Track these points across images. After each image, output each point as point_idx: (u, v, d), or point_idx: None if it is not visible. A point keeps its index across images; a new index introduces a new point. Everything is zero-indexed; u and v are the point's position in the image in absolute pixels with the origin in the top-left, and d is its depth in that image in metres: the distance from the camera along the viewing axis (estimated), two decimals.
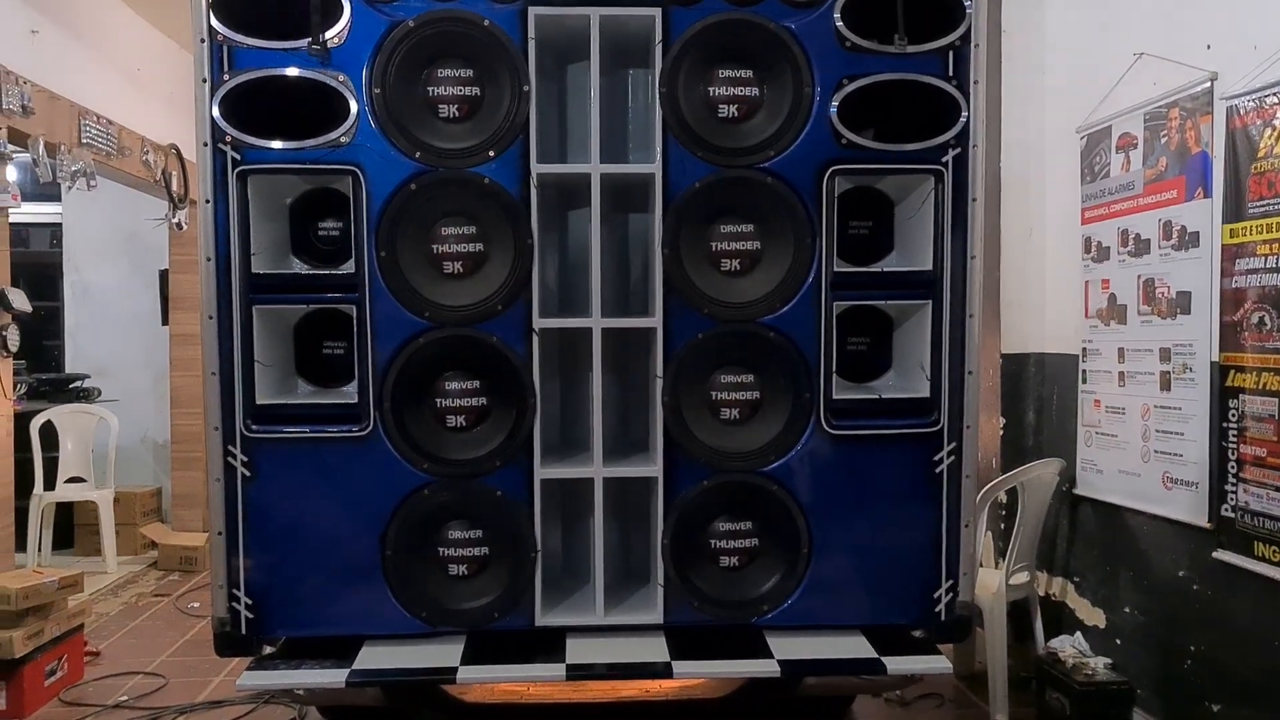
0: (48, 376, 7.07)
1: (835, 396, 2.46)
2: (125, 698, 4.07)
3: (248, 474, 2.36)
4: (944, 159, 2.42)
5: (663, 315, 2.41)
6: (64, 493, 6.24)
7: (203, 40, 2.29)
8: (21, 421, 6.38)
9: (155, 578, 6.13)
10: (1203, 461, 3.30)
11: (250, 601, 2.37)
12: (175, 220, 6.07)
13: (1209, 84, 3.26)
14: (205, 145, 2.31)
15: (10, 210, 4.58)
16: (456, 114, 2.38)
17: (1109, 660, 3.83)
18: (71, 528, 6.65)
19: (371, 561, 2.39)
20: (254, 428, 2.36)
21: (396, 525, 2.39)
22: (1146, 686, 3.62)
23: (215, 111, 2.30)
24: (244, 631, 2.37)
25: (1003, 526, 4.43)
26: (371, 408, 2.37)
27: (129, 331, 7.37)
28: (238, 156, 2.32)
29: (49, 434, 6.33)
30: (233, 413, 2.35)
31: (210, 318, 2.33)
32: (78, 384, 6.99)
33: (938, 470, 2.46)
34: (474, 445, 2.42)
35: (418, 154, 2.34)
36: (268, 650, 2.38)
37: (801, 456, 2.44)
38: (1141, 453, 3.65)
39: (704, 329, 2.42)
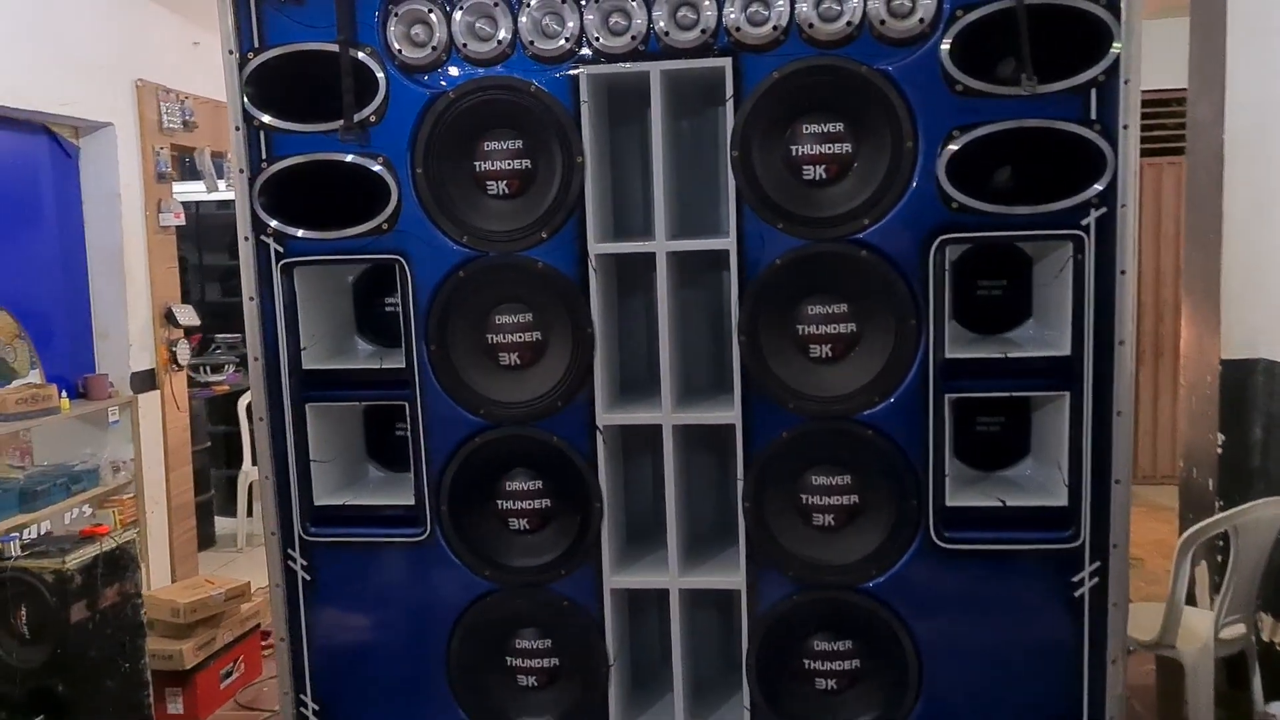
0: None
1: (949, 504, 2.09)
2: None
3: (308, 578, 2.27)
4: (1084, 221, 1.96)
5: (741, 410, 2.10)
6: None
7: (238, 128, 2.14)
8: (231, 399, 6.78)
9: None
10: None
11: (317, 707, 2.30)
12: None
13: None
14: (246, 239, 2.18)
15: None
16: (506, 190, 2.14)
17: None
18: None
19: (437, 670, 2.26)
20: (312, 530, 2.26)
21: (461, 634, 2.24)
22: None
23: (256, 203, 2.16)
24: None
25: (1219, 559, 3.84)
26: (429, 511, 2.21)
27: None
28: (280, 249, 2.18)
29: None
30: (290, 515, 2.25)
31: (260, 419, 2.23)
32: None
33: (1077, 594, 2.05)
34: (538, 550, 2.22)
35: (465, 238, 2.12)
36: None
37: (907, 572, 2.10)
38: None
39: (790, 425, 2.10)
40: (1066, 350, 2.01)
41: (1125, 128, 1.92)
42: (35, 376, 4.20)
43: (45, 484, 3.97)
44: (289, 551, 2.27)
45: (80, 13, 4.25)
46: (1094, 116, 1.93)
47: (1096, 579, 2.04)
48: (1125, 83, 1.90)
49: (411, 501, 2.23)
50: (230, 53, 2.13)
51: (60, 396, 4.11)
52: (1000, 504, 2.10)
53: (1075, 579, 2.05)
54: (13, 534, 3.58)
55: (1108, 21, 1.89)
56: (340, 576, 2.27)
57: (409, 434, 2.21)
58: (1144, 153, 6.84)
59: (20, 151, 4.25)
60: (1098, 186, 1.94)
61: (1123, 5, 1.88)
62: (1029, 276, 2.20)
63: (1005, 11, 1.90)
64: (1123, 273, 1.95)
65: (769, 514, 2.14)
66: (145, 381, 4.64)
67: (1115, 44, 1.89)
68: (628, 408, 2.21)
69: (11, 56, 3.94)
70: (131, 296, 4.54)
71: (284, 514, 2.26)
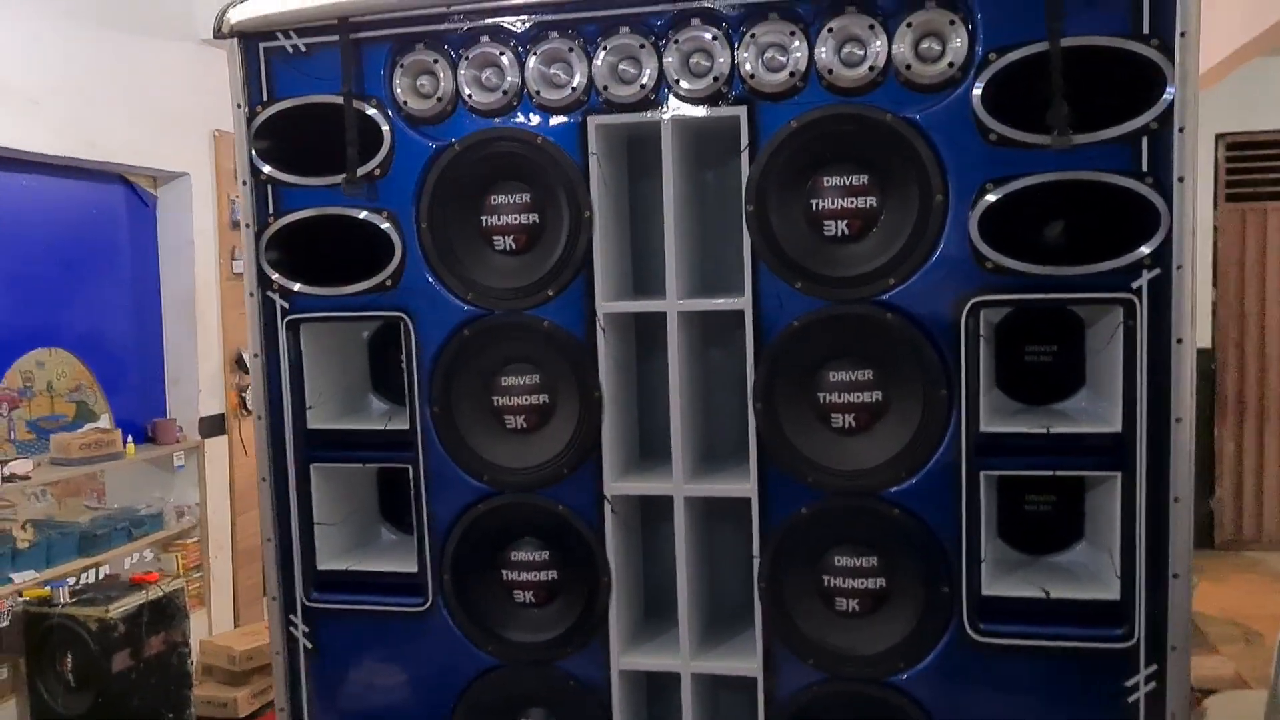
0: None
1: (986, 592, 1.89)
2: None
3: (309, 645, 2.18)
4: (1135, 284, 1.76)
5: (758, 482, 1.95)
6: None
7: (244, 183, 2.10)
8: None
9: None
10: None
11: None
12: None
13: None
14: (251, 295, 2.13)
15: None
16: (513, 246, 2.04)
17: None
18: None
19: None
20: (315, 596, 2.17)
21: (463, 712, 2.12)
22: None
23: (262, 258, 2.11)
24: None
25: None
26: (430, 580, 2.10)
27: None
28: (286, 305, 2.12)
29: None
30: (292, 580, 2.17)
31: (264, 480, 2.16)
32: None
33: (1131, 699, 1.83)
34: (544, 626, 2.09)
35: (470, 295, 2.03)
36: None
37: (938, 667, 1.91)
38: None
39: (810, 500, 1.94)
40: (1117, 426, 1.81)
41: (1181, 180, 1.72)
42: (105, 421, 4.27)
43: (106, 528, 4.02)
44: (290, 617, 2.19)
45: (159, 66, 4.37)
46: (1145, 168, 1.74)
47: (1153, 684, 1.81)
48: (1180, 131, 1.71)
49: (414, 569, 2.13)
50: (239, 106, 2.09)
51: (126, 441, 4.17)
52: (1044, 594, 1.89)
53: (1129, 683, 1.83)
54: (66, 579, 3.62)
55: (1160, 64, 1.71)
56: (342, 645, 2.18)
57: (412, 498, 2.12)
58: (1274, 196, 6.45)
59: (99, 202, 4.38)
60: (1144, 250, 1.74)
61: (1177, 46, 1.70)
62: (1083, 342, 2.01)
63: (1044, 54, 1.73)
64: (1179, 341, 1.74)
65: (788, 596, 1.97)
66: (214, 426, 4.70)
67: (1168, 88, 1.70)
68: (641, 476, 2.08)
69: (92, 111, 4.06)
70: (203, 342, 4.62)
71: (286, 578, 2.18)
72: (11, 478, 3.65)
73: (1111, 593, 1.85)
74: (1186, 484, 1.77)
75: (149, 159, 4.34)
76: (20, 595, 3.46)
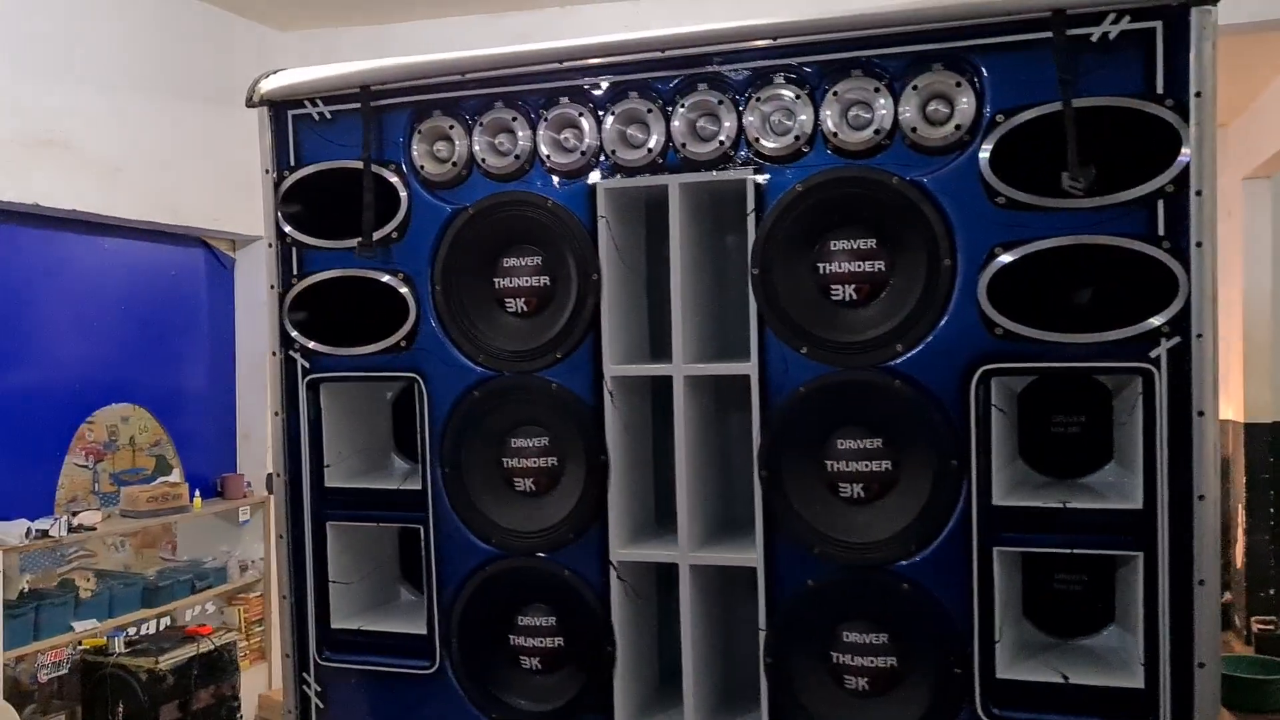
0: None
1: (1001, 675, 1.79)
2: None
3: (321, 705, 2.18)
4: (1154, 353, 1.67)
5: (764, 552, 1.90)
6: None
7: (271, 245, 2.16)
8: None
9: None
10: None
11: None
12: None
13: None
14: (274, 355, 2.18)
15: None
16: (524, 308, 2.05)
17: None
18: None
19: None
20: (327, 655, 2.18)
21: None
22: None
23: (286, 318, 2.16)
24: None
25: None
26: (438, 643, 2.09)
27: None
28: (307, 365, 2.16)
29: None
30: (306, 638, 2.18)
31: (280, 537, 2.19)
32: None
33: None
34: (549, 694, 2.06)
35: (481, 357, 2.04)
36: None
37: None
38: None
39: (816, 573, 1.87)
40: (1138, 503, 1.71)
41: (1199, 245, 1.64)
42: (175, 475, 4.40)
43: (170, 580, 4.11)
44: (304, 675, 2.20)
45: (237, 134, 4.53)
46: (1162, 233, 1.66)
47: None
48: (1197, 194, 1.63)
49: (424, 631, 2.12)
50: (266, 171, 2.16)
51: (194, 496, 4.28)
52: (1062, 679, 1.78)
53: None
54: (126, 629, 3.70)
55: (1175, 125, 1.64)
56: (351, 705, 2.17)
57: (423, 559, 2.12)
58: None
59: (179, 264, 4.56)
60: (1154, 321, 1.66)
61: (1192, 107, 1.63)
62: (1110, 412, 1.91)
63: (1052, 115, 1.68)
64: (1200, 414, 1.65)
65: (795, 673, 1.91)
66: None
67: (1184, 150, 1.63)
68: (649, 543, 2.04)
69: (173, 177, 4.24)
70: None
71: (300, 636, 2.19)
72: (79, 528, 3.78)
73: (1136, 680, 1.73)
74: (1212, 567, 1.66)
75: (227, 223, 4.51)
76: (80, 644, 3.57)
